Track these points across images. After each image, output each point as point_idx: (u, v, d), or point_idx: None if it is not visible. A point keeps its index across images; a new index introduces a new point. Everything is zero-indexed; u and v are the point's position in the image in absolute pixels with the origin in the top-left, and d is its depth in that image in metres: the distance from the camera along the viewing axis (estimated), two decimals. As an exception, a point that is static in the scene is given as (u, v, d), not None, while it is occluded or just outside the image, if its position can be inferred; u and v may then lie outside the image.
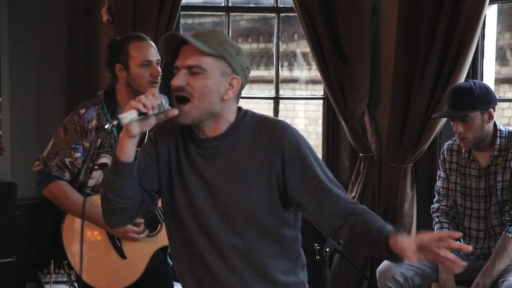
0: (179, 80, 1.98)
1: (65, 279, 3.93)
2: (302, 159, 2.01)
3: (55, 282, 4.04)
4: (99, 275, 2.92)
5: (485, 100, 3.16)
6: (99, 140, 2.91)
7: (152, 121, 1.96)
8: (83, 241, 2.53)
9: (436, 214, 3.39)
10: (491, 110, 3.18)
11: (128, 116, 1.90)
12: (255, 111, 2.13)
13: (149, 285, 3.05)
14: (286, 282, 2.09)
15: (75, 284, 3.16)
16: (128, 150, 1.96)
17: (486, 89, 3.20)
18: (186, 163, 2.05)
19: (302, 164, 2.00)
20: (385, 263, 3.35)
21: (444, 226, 3.33)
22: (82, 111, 2.92)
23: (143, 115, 1.92)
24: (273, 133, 2.02)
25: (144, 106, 1.91)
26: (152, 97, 1.93)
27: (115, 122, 1.87)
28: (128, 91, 2.95)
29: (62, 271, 4.02)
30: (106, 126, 1.86)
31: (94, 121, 2.91)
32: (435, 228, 3.37)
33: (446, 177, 3.36)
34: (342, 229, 1.98)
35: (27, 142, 4.14)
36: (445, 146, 3.40)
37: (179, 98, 1.99)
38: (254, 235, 2.03)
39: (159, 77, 2.95)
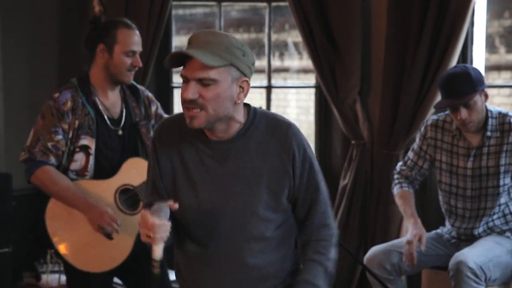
0: (191, 93, 1.95)
1: (62, 268, 3.94)
2: (309, 163, 2.08)
3: (52, 272, 4.05)
4: (87, 259, 2.93)
5: (480, 81, 3.15)
6: (77, 122, 2.94)
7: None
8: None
9: (397, 176, 3.45)
10: (486, 90, 3.19)
11: (160, 252, 1.98)
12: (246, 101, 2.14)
13: (136, 270, 3.06)
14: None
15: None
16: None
17: (478, 70, 3.21)
18: (194, 166, 2.05)
19: (308, 167, 2.08)
20: (372, 250, 3.36)
21: (403, 185, 3.39)
22: (56, 95, 2.97)
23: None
24: (286, 137, 2.05)
25: (163, 239, 1.95)
26: (163, 230, 1.95)
27: (156, 264, 1.97)
28: (104, 74, 2.99)
29: (59, 261, 4.03)
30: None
31: (69, 103, 2.95)
32: (394, 187, 3.43)
33: (419, 152, 3.36)
34: (303, 243, 2.17)
35: (21, 133, 4.10)
36: (429, 121, 3.33)
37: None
38: (262, 236, 2.06)
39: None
